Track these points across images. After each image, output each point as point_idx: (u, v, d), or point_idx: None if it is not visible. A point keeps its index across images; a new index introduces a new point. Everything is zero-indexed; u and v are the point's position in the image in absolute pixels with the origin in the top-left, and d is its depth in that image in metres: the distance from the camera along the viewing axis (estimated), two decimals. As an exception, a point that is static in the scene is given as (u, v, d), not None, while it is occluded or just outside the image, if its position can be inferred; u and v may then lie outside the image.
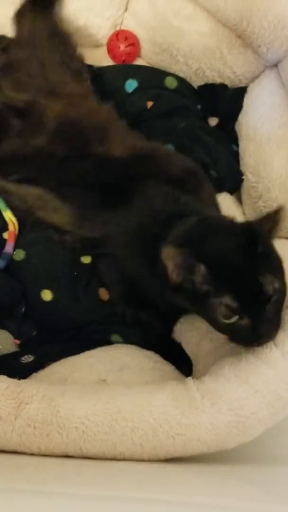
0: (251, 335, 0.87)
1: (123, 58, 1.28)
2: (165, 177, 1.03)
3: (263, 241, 0.87)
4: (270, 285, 0.85)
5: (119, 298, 1.09)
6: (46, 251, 1.10)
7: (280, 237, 1.15)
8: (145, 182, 1.02)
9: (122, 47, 1.26)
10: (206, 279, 0.85)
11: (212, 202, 1.09)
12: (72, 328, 1.08)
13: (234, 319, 0.86)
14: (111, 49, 1.27)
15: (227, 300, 0.85)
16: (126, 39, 1.26)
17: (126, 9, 1.24)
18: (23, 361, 1.01)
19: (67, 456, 0.83)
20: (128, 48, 1.26)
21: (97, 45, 1.27)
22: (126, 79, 1.22)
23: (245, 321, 0.86)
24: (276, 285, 0.86)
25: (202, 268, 0.85)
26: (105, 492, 0.71)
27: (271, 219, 0.88)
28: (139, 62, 1.31)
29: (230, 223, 0.93)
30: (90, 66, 1.24)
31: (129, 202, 1.01)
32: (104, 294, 1.10)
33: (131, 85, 1.21)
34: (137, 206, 1.00)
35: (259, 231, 0.87)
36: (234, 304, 0.85)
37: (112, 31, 1.27)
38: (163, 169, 1.06)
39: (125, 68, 1.25)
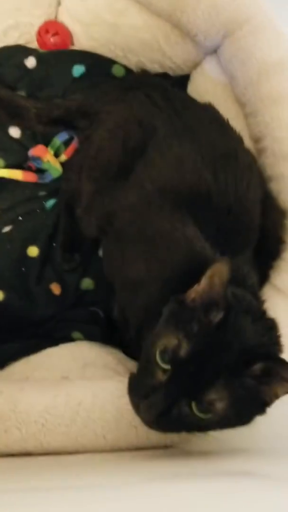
0: (144, 391, 0.75)
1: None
2: None
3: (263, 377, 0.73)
4: (212, 396, 0.72)
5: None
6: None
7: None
8: None
9: (47, 39, 1.23)
10: (205, 324, 0.74)
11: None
12: (30, 325, 1.07)
13: (162, 364, 0.74)
14: (41, 45, 1.24)
15: (185, 345, 0.73)
16: (47, 31, 1.23)
17: (59, 3, 1.22)
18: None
19: (28, 454, 0.82)
20: (54, 39, 1.23)
21: (32, 41, 1.25)
22: (73, 64, 1.20)
23: (160, 378, 0.74)
24: (218, 406, 0.72)
25: (219, 315, 0.74)
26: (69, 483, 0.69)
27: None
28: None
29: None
30: (36, 50, 1.23)
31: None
32: (55, 288, 1.09)
33: (78, 70, 1.20)
34: None
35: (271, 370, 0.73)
36: (182, 353, 0.72)
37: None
38: None
39: (72, 54, 1.23)
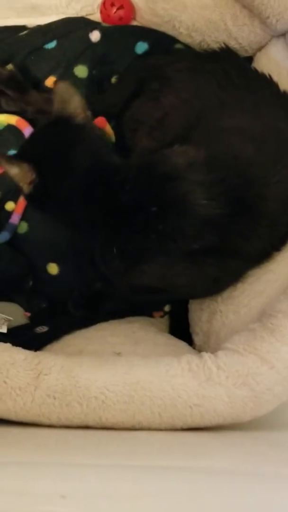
0: None
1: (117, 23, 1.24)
2: None
3: None
4: None
5: None
6: (49, 223, 1.08)
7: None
8: None
9: (112, 12, 1.23)
10: None
11: None
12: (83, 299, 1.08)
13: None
14: (104, 18, 1.24)
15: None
16: (112, 4, 1.22)
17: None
18: (37, 331, 1.00)
19: (85, 427, 0.83)
20: (118, 13, 1.23)
21: (92, 14, 1.25)
22: (137, 40, 1.19)
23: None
24: None
25: None
26: (124, 461, 0.71)
27: None
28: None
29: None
30: (100, 24, 1.22)
31: None
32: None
33: (141, 47, 1.19)
34: None
35: None
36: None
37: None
38: None
39: (136, 30, 1.22)
